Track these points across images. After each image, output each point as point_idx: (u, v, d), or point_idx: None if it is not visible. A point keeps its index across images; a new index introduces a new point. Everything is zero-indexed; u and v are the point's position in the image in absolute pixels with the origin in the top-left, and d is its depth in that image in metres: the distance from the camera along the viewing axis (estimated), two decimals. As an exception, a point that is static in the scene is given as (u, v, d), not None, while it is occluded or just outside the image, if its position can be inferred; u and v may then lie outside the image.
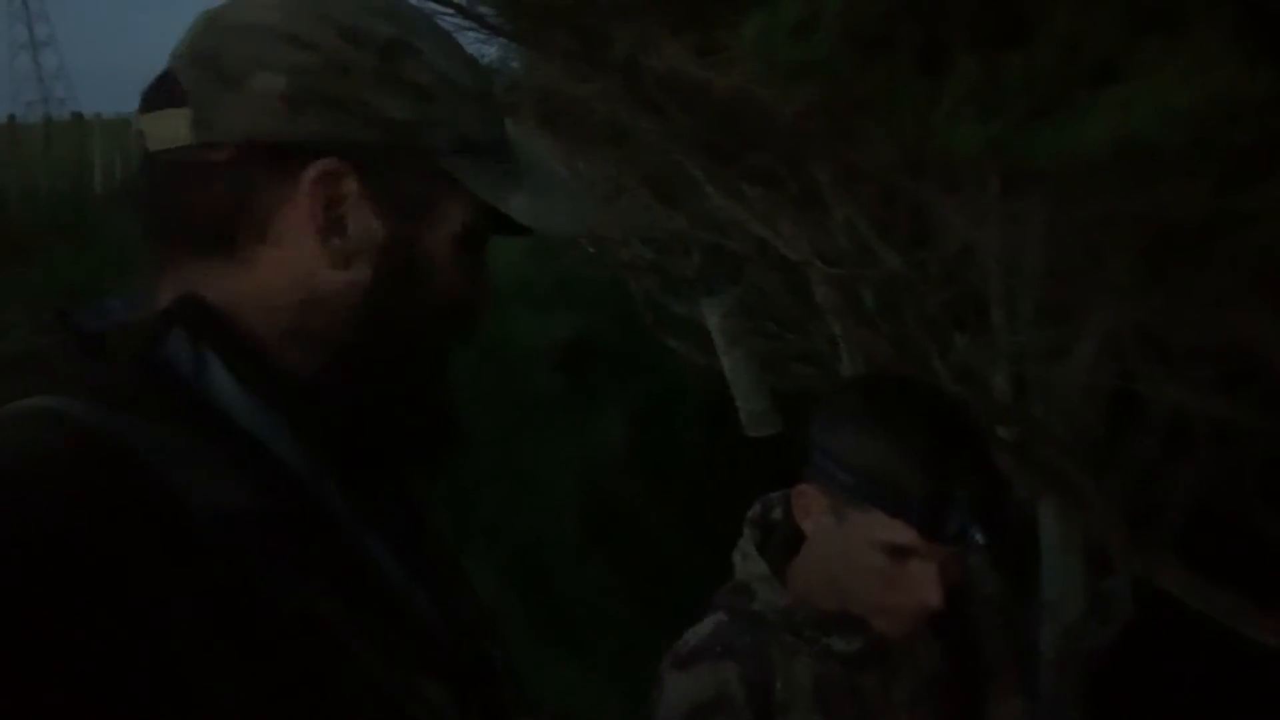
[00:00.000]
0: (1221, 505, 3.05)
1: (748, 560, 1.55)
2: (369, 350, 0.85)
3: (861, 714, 1.49)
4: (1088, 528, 3.46)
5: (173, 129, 0.83)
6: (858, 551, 1.41)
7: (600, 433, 7.38)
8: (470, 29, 2.72)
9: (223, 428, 0.78)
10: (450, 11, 2.62)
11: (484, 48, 4.59)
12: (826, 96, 1.63)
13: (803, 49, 1.58)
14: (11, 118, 22.43)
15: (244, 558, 0.72)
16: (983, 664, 1.60)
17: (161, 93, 0.84)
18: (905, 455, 1.37)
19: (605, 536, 6.18)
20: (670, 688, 1.49)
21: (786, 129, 1.87)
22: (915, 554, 1.38)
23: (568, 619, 5.10)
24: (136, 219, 0.88)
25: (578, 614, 5.19)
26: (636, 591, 5.44)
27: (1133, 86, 1.67)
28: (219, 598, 0.70)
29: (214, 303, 0.82)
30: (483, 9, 2.52)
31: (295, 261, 0.83)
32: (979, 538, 1.34)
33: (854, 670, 1.49)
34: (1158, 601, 3.24)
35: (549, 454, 6.77)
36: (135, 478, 0.71)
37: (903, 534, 1.38)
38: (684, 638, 1.54)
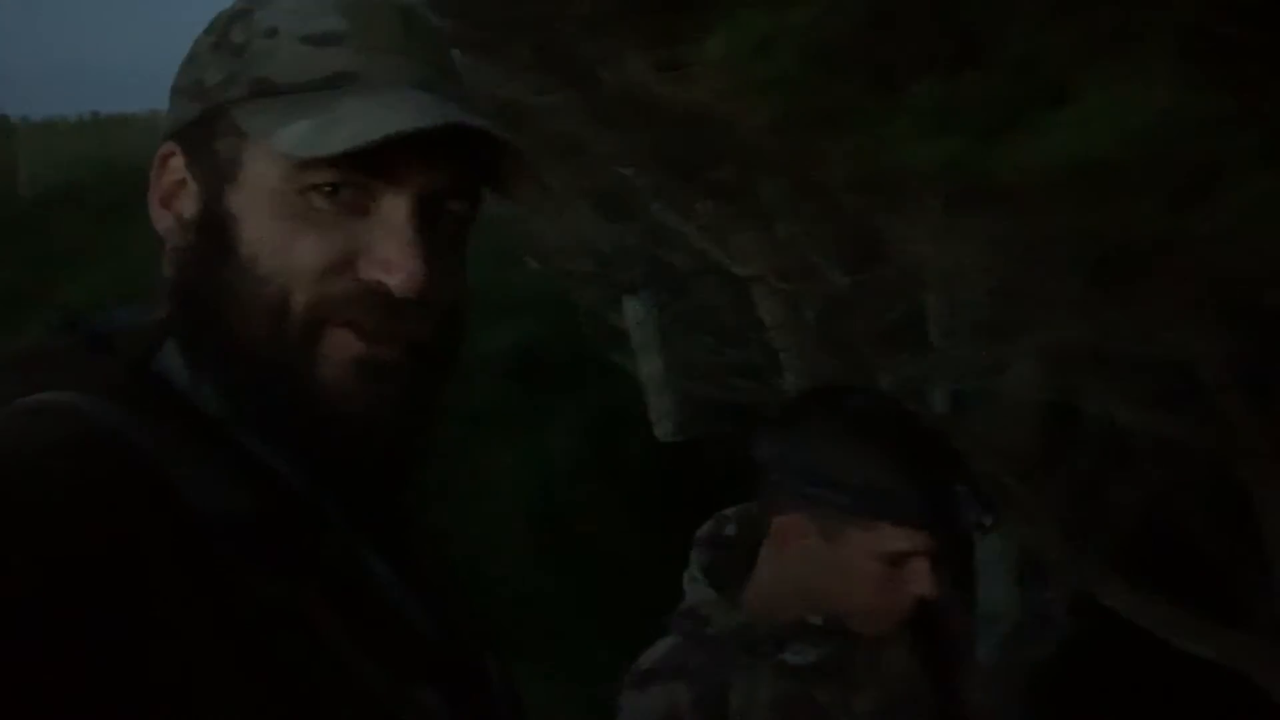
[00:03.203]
0: (1160, 519, 3.11)
1: (696, 584, 1.55)
2: (202, 333, 0.80)
3: None
4: (1026, 541, 3.52)
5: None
6: (854, 566, 1.42)
7: (548, 443, 7.39)
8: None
9: (216, 432, 0.78)
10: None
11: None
12: (789, 112, 1.65)
13: (766, 65, 1.60)
14: (-66, 120, 21.94)
15: (240, 559, 0.72)
16: (956, 680, 1.62)
17: None
18: (901, 466, 1.40)
19: (554, 546, 6.19)
20: (625, 710, 1.50)
21: (748, 144, 1.89)
22: (914, 554, 1.40)
23: (517, 628, 5.09)
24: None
25: (527, 623, 5.19)
26: (586, 600, 5.45)
27: (1086, 106, 1.71)
28: (214, 597, 0.70)
29: (203, 307, 0.82)
30: (448, 21, 2.52)
31: (170, 249, 0.83)
32: (988, 520, 1.39)
33: (810, 684, 1.50)
34: (1096, 614, 3.29)
35: (497, 464, 6.77)
36: (138, 473, 0.71)
37: (909, 539, 1.41)
38: (639, 660, 1.54)
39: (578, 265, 6.88)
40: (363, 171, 0.77)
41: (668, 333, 7.27)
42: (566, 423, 7.61)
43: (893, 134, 1.72)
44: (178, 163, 0.83)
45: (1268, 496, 2.69)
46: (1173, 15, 1.86)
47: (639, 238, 5.49)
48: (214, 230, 0.80)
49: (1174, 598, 2.90)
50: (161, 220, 0.83)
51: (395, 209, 0.78)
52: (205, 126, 0.81)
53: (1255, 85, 1.76)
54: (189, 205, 0.82)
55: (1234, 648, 2.83)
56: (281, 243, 0.78)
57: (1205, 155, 1.73)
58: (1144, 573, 2.99)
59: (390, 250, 0.77)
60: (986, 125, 1.76)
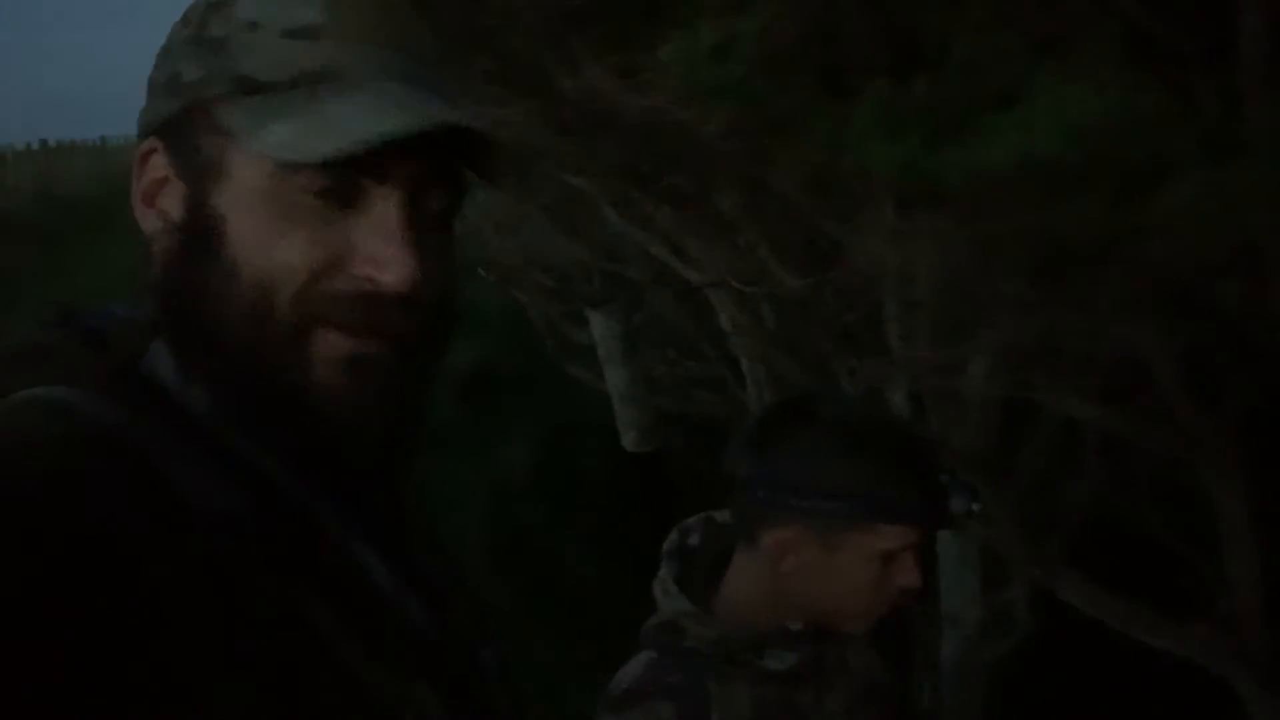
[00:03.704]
0: (1115, 514, 3.15)
1: (670, 596, 1.53)
2: (189, 333, 0.79)
3: None
4: (986, 539, 3.55)
5: None
6: (854, 570, 1.43)
7: (504, 460, 7.37)
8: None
9: (206, 431, 0.78)
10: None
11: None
12: (743, 117, 1.68)
13: (720, 71, 1.62)
14: None
15: (236, 556, 0.72)
16: (914, 679, 1.64)
17: None
18: (895, 467, 1.42)
19: (511, 562, 6.17)
20: None
21: (704, 150, 1.91)
22: (905, 549, 1.42)
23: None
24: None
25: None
26: (543, 616, 5.43)
27: (1033, 108, 1.75)
28: (211, 593, 0.69)
29: (190, 308, 0.81)
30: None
31: (154, 248, 0.81)
32: (976, 506, 1.41)
33: (789, 688, 1.50)
34: (1056, 611, 3.33)
35: (454, 482, 6.74)
36: (132, 469, 0.71)
37: (904, 536, 1.43)
38: (615, 680, 1.51)
39: (537, 279, 6.88)
40: (351, 170, 0.76)
41: (632, 344, 7.30)
42: (521, 438, 7.59)
43: (844, 138, 1.74)
44: (160, 160, 0.81)
45: (1222, 490, 2.73)
46: (1114, 19, 1.91)
47: (595, 251, 5.50)
48: (201, 230, 0.79)
49: (1132, 592, 2.94)
50: (145, 218, 0.82)
51: (384, 205, 0.77)
52: (186, 123, 0.80)
53: (1195, 84, 1.81)
54: (174, 204, 0.80)
55: (1192, 641, 2.88)
56: (268, 243, 0.77)
57: (1149, 153, 1.77)
58: (1102, 568, 3.03)
59: (382, 247, 0.77)
60: (936, 128, 1.79)
